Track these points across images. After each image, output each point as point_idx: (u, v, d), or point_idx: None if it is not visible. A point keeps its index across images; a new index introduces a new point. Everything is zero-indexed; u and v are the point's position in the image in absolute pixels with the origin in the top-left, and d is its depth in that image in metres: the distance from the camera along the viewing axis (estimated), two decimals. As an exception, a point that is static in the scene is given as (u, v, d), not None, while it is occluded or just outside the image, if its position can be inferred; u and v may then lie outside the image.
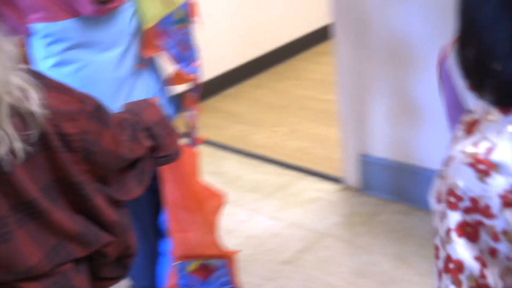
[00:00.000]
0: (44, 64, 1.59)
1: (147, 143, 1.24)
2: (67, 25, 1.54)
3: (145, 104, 1.34)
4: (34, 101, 0.98)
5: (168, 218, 1.75)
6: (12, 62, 0.98)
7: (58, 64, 1.58)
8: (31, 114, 0.98)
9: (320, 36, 4.24)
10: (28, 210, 1.01)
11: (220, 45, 3.68)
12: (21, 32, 1.55)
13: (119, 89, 1.63)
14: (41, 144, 1.01)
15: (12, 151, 0.96)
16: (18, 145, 0.96)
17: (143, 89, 1.68)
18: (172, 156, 1.33)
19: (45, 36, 1.55)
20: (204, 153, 3.10)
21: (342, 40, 2.54)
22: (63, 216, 1.05)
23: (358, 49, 2.50)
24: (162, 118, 1.31)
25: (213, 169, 2.97)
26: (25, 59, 1.77)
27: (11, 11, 1.48)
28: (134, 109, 1.29)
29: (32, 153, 1.00)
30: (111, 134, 1.12)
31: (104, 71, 1.60)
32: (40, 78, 1.04)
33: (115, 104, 1.55)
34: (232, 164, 3.05)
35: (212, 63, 3.61)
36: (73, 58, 1.57)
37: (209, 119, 3.44)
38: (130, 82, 1.65)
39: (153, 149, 1.26)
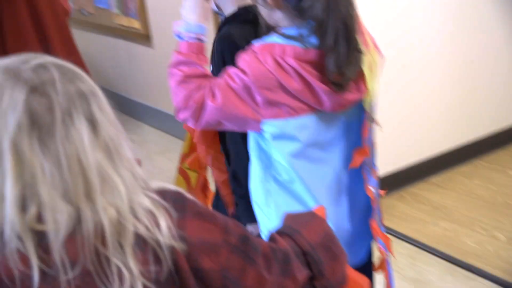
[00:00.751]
0: (267, 164, 1.46)
1: (303, 274, 1.04)
2: (300, 122, 1.38)
3: (309, 217, 1.13)
4: (165, 230, 0.89)
5: None
6: (141, 183, 0.92)
7: (284, 166, 1.43)
8: (160, 245, 0.88)
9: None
10: None
11: (428, 125, 3.26)
12: (252, 129, 1.42)
13: (341, 186, 1.48)
14: (172, 282, 0.89)
15: None
16: (141, 284, 0.85)
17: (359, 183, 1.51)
18: (333, 286, 1.10)
19: (275, 133, 1.39)
20: (403, 253, 2.72)
21: None
22: None
23: None
24: (327, 237, 1.09)
25: (413, 275, 2.53)
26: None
27: (245, 106, 1.36)
28: (294, 224, 1.10)
29: None
30: (257, 271, 0.98)
31: (331, 169, 1.45)
32: (179, 201, 0.93)
33: (337, 205, 1.48)
34: (436, 271, 2.57)
35: (416, 145, 3.21)
36: (302, 160, 1.42)
37: (410, 211, 3.00)
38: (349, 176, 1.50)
39: (311, 277, 1.06)
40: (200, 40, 1.48)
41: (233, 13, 1.59)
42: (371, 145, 1.47)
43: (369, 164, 1.47)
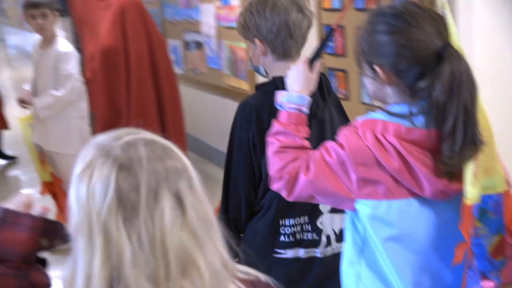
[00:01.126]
0: (360, 247, 1.35)
1: None
2: (396, 206, 1.27)
3: None
4: None
5: None
6: (229, 269, 0.89)
7: (378, 250, 1.32)
8: None
9: None
10: None
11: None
12: (346, 207, 1.34)
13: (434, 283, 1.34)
14: None
15: None
16: None
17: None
18: None
19: (369, 215, 1.29)
20: None
21: None
22: None
23: None
24: None
25: None
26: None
27: (338, 182, 1.29)
28: None
29: None
30: None
31: (426, 261, 1.31)
32: None
33: None
34: None
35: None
36: (396, 246, 1.30)
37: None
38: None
39: None
40: (300, 111, 1.46)
41: (262, 83, 1.71)
42: (480, 247, 1.30)
43: (473, 268, 1.30)
